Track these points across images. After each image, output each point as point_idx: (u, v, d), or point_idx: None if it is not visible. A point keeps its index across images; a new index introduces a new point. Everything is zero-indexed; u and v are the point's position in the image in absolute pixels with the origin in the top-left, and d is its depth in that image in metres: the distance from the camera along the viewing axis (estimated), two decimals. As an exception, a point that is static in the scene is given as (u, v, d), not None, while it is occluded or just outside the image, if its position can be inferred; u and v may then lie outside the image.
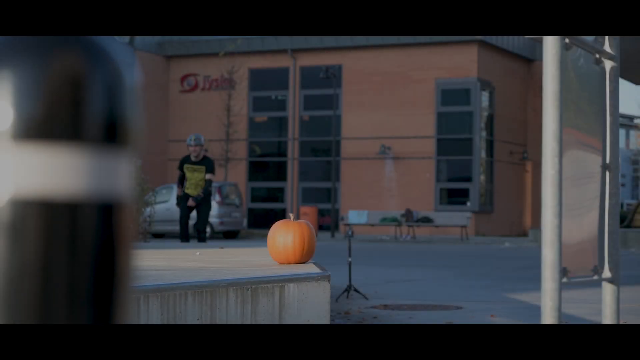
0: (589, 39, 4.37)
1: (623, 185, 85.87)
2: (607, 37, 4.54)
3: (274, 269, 6.90)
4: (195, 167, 18.62)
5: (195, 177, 18.56)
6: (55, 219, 1.01)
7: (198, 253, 9.60)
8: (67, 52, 1.02)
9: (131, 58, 1.09)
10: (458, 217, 39.01)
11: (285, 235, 7.47)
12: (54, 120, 1.02)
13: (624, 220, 41.75)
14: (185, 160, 18.79)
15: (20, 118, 1.00)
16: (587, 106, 4.50)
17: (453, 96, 44.18)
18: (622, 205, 74.12)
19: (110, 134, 1.05)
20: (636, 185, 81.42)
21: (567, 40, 3.99)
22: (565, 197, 4.04)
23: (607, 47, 4.53)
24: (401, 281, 15.92)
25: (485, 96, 45.01)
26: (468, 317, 10.15)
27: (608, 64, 4.55)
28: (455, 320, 9.81)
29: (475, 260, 23.33)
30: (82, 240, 1.01)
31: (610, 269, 4.46)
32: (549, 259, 3.79)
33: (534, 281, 15.19)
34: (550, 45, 3.80)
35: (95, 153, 1.03)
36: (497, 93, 45.63)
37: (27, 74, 1.01)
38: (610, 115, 4.54)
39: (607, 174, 4.49)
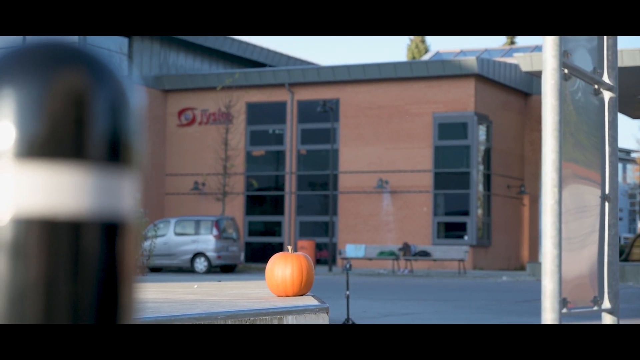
0: (588, 68, 4.38)
1: (621, 219, 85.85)
2: (605, 68, 4.54)
3: (272, 301, 6.88)
4: None
5: None
6: (58, 238, 1.00)
7: (196, 286, 9.58)
8: (71, 70, 1.02)
9: (134, 79, 1.09)
10: (455, 251, 38.96)
11: (283, 268, 7.45)
12: (57, 138, 1.01)
13: (622, 253, 41.72)
14: None
15: (23, 136, 1.00)
16: (585, 139, 4.50)
17: (450, 130, 44.23)
18: (619, 238, 74.01)
19: (114, 152, 1.04)
20: (633, 219, 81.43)
21: (566, 70, 4.00)
22: (564, 229, 4.03)
23: (605, 78, 4.53)
24: (399, 315, 15.88)
25: (482, 130, 45.07)
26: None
27: (607, 95, 4.56)
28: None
29: (473, 294, 23.28)
30: (85, 260, 1.00)
31: (610, 300, 4.45)
32: (548, 289, 3.78)
33: (532, 314, 15.15)
34: (549, 75, 3.81)
35: (98, 172, 1.02)
36: (494, 127, 45.70)
37: (30, 92, 1.00)
38: (610, 146, 4.54)
39: (607, 204, 4.49)
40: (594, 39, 4.56)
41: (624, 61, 39.77)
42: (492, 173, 45.51)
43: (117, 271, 1.03)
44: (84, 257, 1.01)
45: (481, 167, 44.82)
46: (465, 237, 43.46)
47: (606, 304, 4.49)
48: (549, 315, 3.81)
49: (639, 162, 57.46)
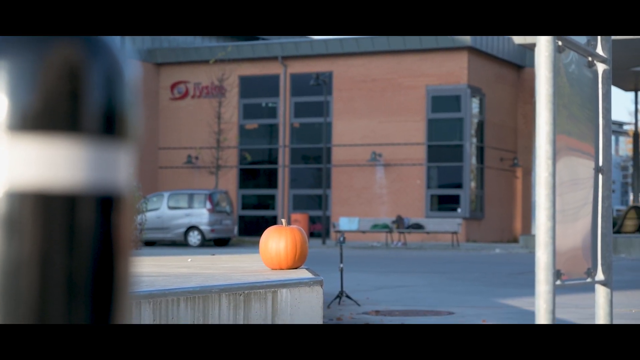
0: (582, 41, 4.37)
1: (613, 191, 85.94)
2: (599, 40, 4.54)
3: (267, 275, 6.89)
4: None
5: None
6: (52, 212, 0.99)
7: (190, 260, 9.58)
8: (65, 43, 1.01)
9: (128, 51, 1.08)
10: (449, 224, 39.02)
11: (277, 241, 7.46)
12: (51, 111, 1.01)
13: (614, 226, 41.80)
14: None
15: (17, 109, 0.99)
16: (578, 112, 4.50)
17: (443, 103, 44.21)
18: (612, 211, 74.15)
19: (109, 125, 1.04)
20: (626, 191, 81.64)
21: (559, 42, 3.99)
22: (558, 202, 4.04)
23: (599, 50, 4.53)
24: (393, 287, 15.91)
25: (475, 103, 45.05)
26: (460, 323, 10.13)
27: (600, 67, 4.55)
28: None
29: (466, 266, 23.34)
30: (80, 233, 1.00)
31: (604, 272, 4.46)
32: (542, 261, 3.78)
33: (525, 287, 15.19)
34: (543, 47, 3.80)
35: (93, 145, 1.01)
36: (487, 100, 45.68)
37: (24, 65, 1.00)
38: (603, 118, 4.54)
39: (600, 176, 4.49)
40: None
41: (617, 33, 39.65)
42: (485, 146, 45.53)
43: (112, 245, 1.03)
44: (79, 231, 1.00)
45: (474, 140, 44.83)
46: (459, 210, 43.52)
47: (599, 275, 4.50)
48: (542, 287, 3.81)
49: (632, 134, 57.50)
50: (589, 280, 4.37)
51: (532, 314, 8.65)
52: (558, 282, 3.94)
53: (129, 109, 1.05)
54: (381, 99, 44.50)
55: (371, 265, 23.70)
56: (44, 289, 0.99)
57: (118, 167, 1.03)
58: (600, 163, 4.50)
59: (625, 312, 11.10)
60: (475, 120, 45.08)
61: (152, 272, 7.44)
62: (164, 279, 6.52)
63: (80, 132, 1.01)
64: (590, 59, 4.44)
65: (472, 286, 16.14)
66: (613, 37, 28.28)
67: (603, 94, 4.57)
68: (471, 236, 43.30)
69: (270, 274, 7.04)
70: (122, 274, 1.04)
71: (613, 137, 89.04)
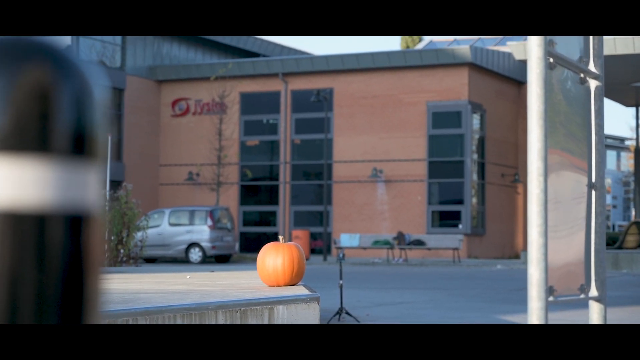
0: (574, 58, 4.39)
1: (615, 207, 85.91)
2: (591, 56, 4.56)
3: (263, 291, 6.89)
4: None
5: None
6: (22, 231, 1.01)
7: (188, 276, 9.59)
8: (35, 64, 1.03)
9: (99, 72, 1.10)
10: (450, 240, 39.00)
11: (274, 258, 7.47)
12: (21, 132, 1.02)
13: (616, 241, 41.77)
14: None
15: (-12, 130, 1.01)
16: (575, 128, 4.52)
17: (444, 119, 44.24)
18: (613, 226, 74.18)
19: (78, 145, 1.05)
20: (628, 207, 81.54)
21: (551, 59, 4.01)
22: (552, 218, 4.05)
23: (591, 67, 4.55)
24: (393, 304, 15.89)
25: (476, 119, 45.09)
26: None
27: (593, 84, 4.57)
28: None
29: (467, 283, 23.32)
30: (49, 252, 1.01)
31: (597, 288, 4.47)
32: (535, 277, 3.79)
33: (525, 303, 15.18)
34: (534, 64, 3.82)
35: (62, 165, 1.03)
36: (488, 115, 45.71)
37: (-6, 86, 1.01)
38: (596, 134, 4.55)
39: (594, 192, 4.50)
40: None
41: (617, 49, 39.79)
42: (486, 162, 45.54)
43: (82, 263, 1.04)
44: (49, 250, 1.02)
45: (475, 156, 44.85)
46: (460, 226, 43.51)
47: (593, 291, 4.51)
48: (535, 304, 3.83)
49: (633, 149, 57.52)
50: (582, 296, 4.38)
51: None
52: (551, 299, 3.95)
53: (98, 130, 1.07)
54: (382, 115, 44.54)
55: (372, 281, 23.68)
56: (13, 306, 1.00)
57: (87, 186, 1.05)
58: (594, 179, 4.51)
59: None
60: (476, 136, 45.10)
61: (149, 288, 7.44)
62: (160, 296, 6.53)
63: (49, 153, 1.03)
64: (582, 75, 4.46)
65: (473, 302, 16.13)
66: (614, 53, 28.42)
67: (596, 110, 4.59)
68: (472, 252, 43.27)
69: (267, 290, 7.04)
70: (92, 291, 1.05)
71: (615, 153, 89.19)
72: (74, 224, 1.04)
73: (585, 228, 4.49)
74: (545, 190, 3.80)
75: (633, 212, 60.00)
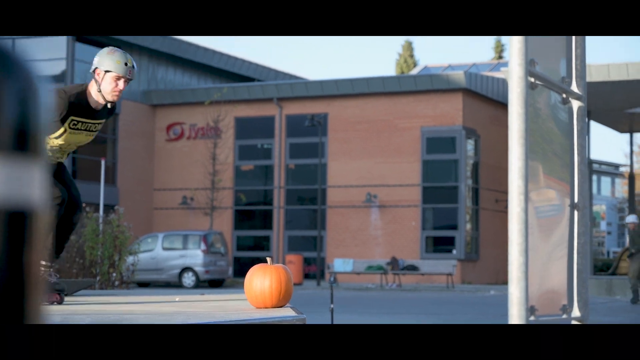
0: (556, 79, 4.40)
1: (609, 233, 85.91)
2: (574, 77, 4.57)
3: (250, 313, 6.88)
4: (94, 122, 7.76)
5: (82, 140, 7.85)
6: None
7: (177, 299, 9.57)
8: (-23, 62, 1.03)
9: (41, 72, 1.10)
10: (444, 265, 38.96)
11: (262, 279, 7.46)
12: (-38, 128, 1.03)
13: (610, 267, 41.79)
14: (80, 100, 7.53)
15: None
16: (559, 148, 4.53)
17: (438, 144, 44.31)
18: (608, 253, 74.12)
19: (21, 143, 1.05)
20: (622, 233, 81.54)
21: (532, 79, 4.02)
22: (534, 237, 4.05)
23: (574, 87, 4.56)
24: (384, 328, 15.84)
25: (470, 144, 45.16)
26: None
27: (575, 104, 4.59)
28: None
29: (460, 308, 23.29)
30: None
31: (580, 308, 4.47)
32: (515, 296, 3.79)
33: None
34: (515, 84, 3.83)
35: (5, 161, 1.03)
36: (482, 141, 45.79)
37: None
38: (579, 155, 4.56)
39: (576, 213, 4.51)
40: (563, 49, 4.59)
41: (610, 75, 39.91)
42: (480, 187, 45.58)
43: (23, 258, 1.05)
44: (-11, 246, 1.02)
45: (469, 181, 44.89)
46: (454, 251, 43.49)
47: (575, 312, 4.51)
48: (516, 323, 3.82)
49: (627, 175, 57.61)
50: (564, 316, 4.38)
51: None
52: (532, 318, 3.95)
53: (41, 128, 1.07)
54: (376, 140, 44.60)
55: (365, 306, 23.64)
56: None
57: (30, 183, 1.05)
58: (576, 199, 4.52)
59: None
60: (470, 162, 45.17)
61: (136, 309, 7.43)
62: (146, 317, 6.52)
63: (-10, 149, 1.03)
64: (564, 95, 4.47)
65: (464, 327, 16.09)
66: (606, 79, 28.38)
67: (578, 131, 4.60)
68: (466, 278, 43.24)
69: (254, 312, 7.03)
70: (33, 286, 1.05)
71: (609, 179, 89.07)
72: (16, 219, 1.04)
73: (568, 248, 4.49)
74: (526, 209, 3.80)
75: (627, 239, 60.06)
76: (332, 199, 45.30)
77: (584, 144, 4.60)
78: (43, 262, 1.08)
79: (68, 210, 7.75)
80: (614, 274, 39.23)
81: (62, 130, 7.47)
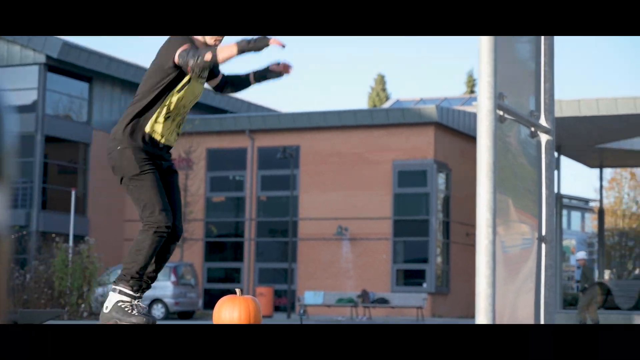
0: (525, 112, 4.44)
1: (579, 267, 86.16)
2: (542, 111, 4.61)
3: (219, 344, 6.86)
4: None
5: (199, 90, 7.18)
6: None
7: (146, 330, 9.53)
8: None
9: (8, 100, 1.11)
10: (414, 298, 38.96)
11: (231, 311, 7.45)
12: None
13: (579, 301, 41.83)
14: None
15: None
16: (528, 181, 4.56)
17: (410, 178, 44.42)
18: (577, 287, 74.36)
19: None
20: (591, 268, 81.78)
21: (501, 112, 4.06)
22: (502, 269, 4.08)
23: (542, 121, 4.60)
24: (354, 361, 15.80)
25: (441, 178, 45.31)
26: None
27: (544, 138, 4.63)
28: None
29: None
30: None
31: (547, 341, 4.48)
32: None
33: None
34: (484, 117, 3.86)
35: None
36: (453, 175, 45.95)
37: None
38: (547, 188, 4.60)
39: (543, 245, 4.54)
40: (532, 84, 4.63)
41: (581, 111, 40.18)
42: (451, 220, 45.68)
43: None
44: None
45: (440, 215, 44.99)
46: (424, 285, 43.52)
47: (543, 344, 4.52)
48: (482, 354, 3.83)
49: (597, 210, 57.91)
50: (531, 348, 4.39)
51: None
52: (499, 350, 3.96)
53: (5, 153, 1.08)
54: (348, 173, 44.67)
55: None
56: None
57: (-6, 206, 1.06)
58: (544, 232, 4.55)
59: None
60: (442, 195, 45.30)
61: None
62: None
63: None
64: (533, 129, 4.51)
65: (434, 360, 16.08)
66: (577, 115, 28.50)
67: (546, 164, 4.64)
68: (437, 311, 43.25)
69: (223, 343, 7.02)
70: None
71: (579, 214, 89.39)
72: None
73: (536, 281, 4.52)
74: (494, 242, 3.82)
75: (597, 273, 60.27)
76: (304, 231, 45.27)
77: (551, 178, 4.64)
78: (5, 283, 1.09)
79: (167, 240, 7.06)
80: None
81: (187, 78, 6.62)
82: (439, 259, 44.67)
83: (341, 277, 44.28)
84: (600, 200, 54.43)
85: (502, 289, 4.08)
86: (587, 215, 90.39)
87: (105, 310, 6.79)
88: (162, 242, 6.83)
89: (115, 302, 6.75)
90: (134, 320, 6.64)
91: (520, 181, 4.49)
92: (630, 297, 38.23)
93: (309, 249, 45.08)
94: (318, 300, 39.26)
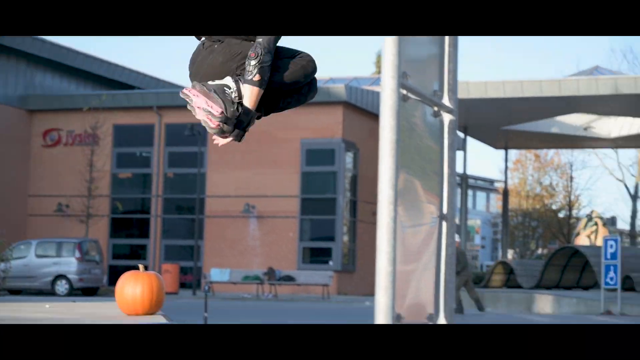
0: (428, 92, 4.47)
1: (483, 247, 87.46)
2: (445, 90, 4.65)
3: (120, 320, 6.82)
4: None
5: None
6: None
7: (48, 306, 9.42)
8: None
9: None
10: (320, 276, 39.14)
11: (133, 286, 7.41)
12: None
13: (482, 280, 42.58)
14: None
15: None
16: (430, 159, 4.60)
17: (318, 156, 44.52)
18: (482, 266, 75.48)
19: None
20: (495, 247, 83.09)
21: (404, 91, 4.08)
22: (402, 247, 4.11)
23: (445, 101, 4.64)
24: (258, 338, 15.83)
25: (349, 157, 45.49)
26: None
27: (446, 117, 4.67)
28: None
29: (334, 319, 23.43)
30: None
31: (446, 317, 4.55)
32: (382, 304, 3.83)
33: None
34: (387, 96, 3.88)
35: None
36: (361, 154, 46.16)
37: None
38: (448, 167, 4.64)
39: (444, 224, 4.58)
40: (436, 63, 4.66)
41: (488, 93, 40.66)
42: (358, 199, 45.93)
43: None
44: None
45: (348, 194, 45.20)
46: (330, 263, 43.72)
47: (442, 321, 4.58)
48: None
49: (501, 191, 58.75)
50: (430, 324, 4.44)
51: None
52: (398, 326, 3.99)
53: None
54: (256, 151, 44.58)
55: (239, 316, 23.60)
56: None
57: None
58: (445, 211, 4.60)
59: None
60: (349, 174, 45.49)
61: (3, 316, 7.30)
62: (13, 323, 6.41)
63: None
64: (436, 108, 4.55)
65: (338, 337, 16.17)
66: (484, 96, 29.04)
67: (449, 144, 4.68)
68: (342, 289, 43.50)
69: (125, 319, 6.97)
70: None
71: (484, 195, 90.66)
72: None
73: (435, 258, 4.56)
74: (395, 219, 3.85)
75: (500, 253, 61.21)
76: (211, 208, 45.13)
77: (453, 157, 4.68)
78: None
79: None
80: (486, 286, 39.97)
81: None
82: (346, 238, 44.90)
83: (248, 254, 44.26)
84: (505, 181, 55.22)
85: (404, 267, 4.11)
86: (492, 195, 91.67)
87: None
88: None
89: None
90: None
91: (427, 163, 4.53)
92: (533, 276, 38.95)
93: (215, 227, 44.96)
94: (224, 277, 39.23)
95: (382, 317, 3.80)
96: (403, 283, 4.08)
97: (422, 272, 4.43)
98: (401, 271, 4.01)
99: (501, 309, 30.11)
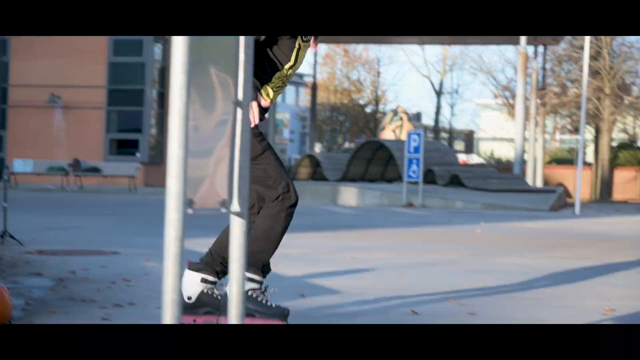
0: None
1: (292, 141, 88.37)
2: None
3: None
4: None
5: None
6: None
7: None
8: None
9: None
10: (127, 168, 38.84)
11: None
12: None
13: (290, 172, 43.07)
14: None
15: None
16: (227, 43, 4.58)
17: (126, 47, 43.82)
18: (290, 160, 76.33)
19: None
20: (304, 141, 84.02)
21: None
22: (197, 134, 4.10)
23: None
24: (61, 229, 15.71)
25: (158, 48, 44.94)
26: (124, 262, 10.21)
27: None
28: (111, 264, 9.85)
29: (140, 210, 23.43)
30: None
31: (240, 204, 4.58)
32: (173, 190, 3.82)
33: (195, 229, 15.36)
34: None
35: None
36: (169, 45, 45.66)
37: None
38: (244, 53, 4.63)
39: (240, 110, 4.59)
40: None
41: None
42: (166, 91, 45.57)
43: None
44: None
45: (157, 85, 44.75)
46: (138, 154, 43.40)
47: (235, 207, 4.61)
48: (173, 215, 3.87)
49: (310, 86, 59.31)
50: (223, 210, 4.48)
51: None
52: (190, 211, 4.01)
53: None
54: (61, 40, 43.50)
55: (44, 207, 23.25)
56: None
57: None
58: (240, 97, 4.60)
59: (294, 252, 11.42)
60: (158, 66, 44.98)
61: None
62: None
63: None
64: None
65: (142, 228, 16.19)
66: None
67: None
68: (150, 180, 43.31)
69: None
70: None
71: (294, 88, 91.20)
72: None
73: (230, 145, 4.57)
74: (188, 104, 3.83)
75: (308, 146, 61.99)
76: (14, 98, 43.97)
77: (250, 43, 4.67)
78: None
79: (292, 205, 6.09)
80: (293, 179, 40.41)
81: (297, 44, 6.04)
82: (154, 130, 44.57)
83: (53, 145, 43.48)
84: (314, 76, 55.69)
85: (196, 153, 4.11)
86: (301, 90, 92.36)
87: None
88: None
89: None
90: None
91: (224, 49, 4.50)
92: (339, 169, 39.61)
93: (19, 117, 43.89)
94: (28, 168, 38.46)
95: (173, 202, 3.79)
96: (196, 169, 4.08)
97: (216, 159, 4.44)
98: (194, 157, 4.00)
99: (307, 200, 30.56)
